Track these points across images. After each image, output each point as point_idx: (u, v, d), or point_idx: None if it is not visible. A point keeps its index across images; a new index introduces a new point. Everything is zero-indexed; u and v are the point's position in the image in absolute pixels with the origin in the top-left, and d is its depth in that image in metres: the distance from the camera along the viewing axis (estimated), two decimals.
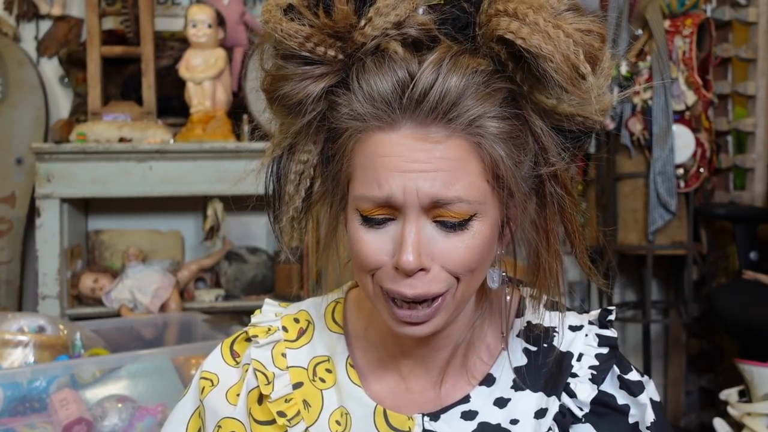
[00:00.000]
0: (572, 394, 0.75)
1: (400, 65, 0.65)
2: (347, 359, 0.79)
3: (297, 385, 0.77)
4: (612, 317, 0.80)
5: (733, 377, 2.45)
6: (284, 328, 0.81)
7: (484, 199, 0.67)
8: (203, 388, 0.80)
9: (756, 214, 2.85)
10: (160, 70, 2.74)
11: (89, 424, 1.47)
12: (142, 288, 2.55)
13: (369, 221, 0.68)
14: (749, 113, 3.00)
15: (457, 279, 0.68)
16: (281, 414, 0.75)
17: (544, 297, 0.76)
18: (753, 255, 2.75)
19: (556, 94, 0.66)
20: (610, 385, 0.77)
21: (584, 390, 0.75)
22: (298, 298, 0.87)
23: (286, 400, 0.76)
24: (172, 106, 2.75)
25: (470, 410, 0.75)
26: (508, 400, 0.75)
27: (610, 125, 2.77)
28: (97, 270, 2.67)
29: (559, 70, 0.63)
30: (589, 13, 0.67)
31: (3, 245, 2.81)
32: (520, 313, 0.80)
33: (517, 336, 0.79)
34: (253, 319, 0.82)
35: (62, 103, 2.95)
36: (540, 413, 0.74)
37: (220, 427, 0.78)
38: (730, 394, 2.25)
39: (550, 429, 0.74)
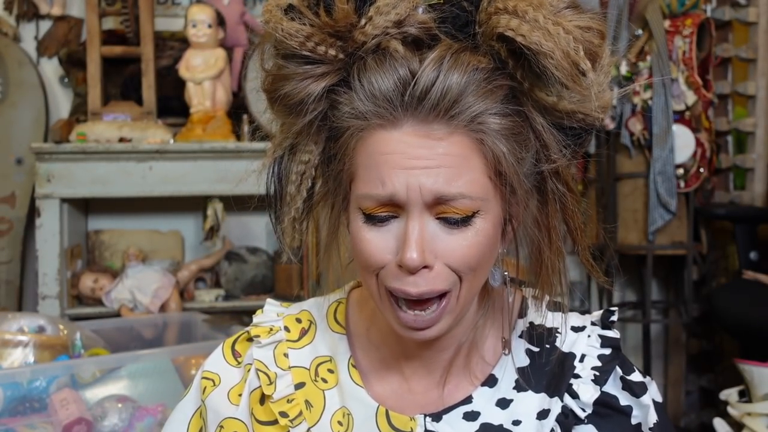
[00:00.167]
0: (575, 395, 0.75)
1: (401, 63, 0.65)
2: (349, 359, 0.79)
3: (299, 386, 0.77)
4: (614, 318, 0.80)
5: (733, 377, 2.45)
6: (286, 328, 0.81)
7: (487, 196, 0.67)
8: (204, 388, 0.80)
9: (756, 214, 2.85)
10: (160, 70, 2.74)
11: (89, 424, 1.47)
12: (142, 288, 2.55)
13: (372, 219, 0.68)
14: (749, 113, 3.00)
15: (460, 278, 0.68)
16: (283, 414, 0.75)
17: (547, 297, 0.76)
18: (753, 255, 2.75)
19: (556, 92, 0.66)
20: (612, 386, 0.77)
21: (587, 391, 0.75)
22: (298, 299, 0.87)
23: (288, 401, 0.76)
24: (172, 106, 2.75)
25: (472, 411, 0.75)
26: (511, 400, 0.75)
27: (610, 125, 2.77)
28: (97, 270, 2.67)
29: (560, 67, 0.63)
30: (588, 11, 0.67)
31: (3, 245, 2.81)
32: (522, 314, 0.80)
33: (520, 336, 0.79)
34: (255, 319, 0.82)
35: (62, 103, 2.95)
36: (542, 414, 0.74)
37: (222, 427, 0.78)
38: (730, 394, 2.25)
39: (552, 430, 0.74)
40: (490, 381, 0.76)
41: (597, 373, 0.76)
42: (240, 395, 0.78)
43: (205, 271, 2.81)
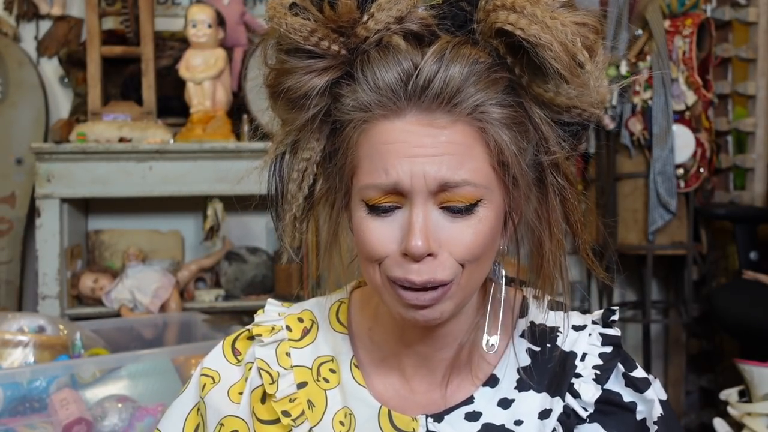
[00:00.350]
0: (576, 395, 0.75)
1: (404, 56, 0.67)
2: (352, 359, 0.79)
3: (301, 385, 0.77)
4: (615, 317, 0.80)
5: (733, 377, 2.45)
6: (288, 328, 0.81)
7: (490, 185, 0.68)
8: (204, 385, 0.80)
9: (756, 214, 2.85)
10: (160, 70, 2.74)
11: (89, 424, 1.47)
12: (142, 288, 2.55)
13: (375, 210, 0.68)
14: (749, 113, 3.00)
15: (462, 267, 0.69)
16: (286, 414, 0.75)
17: (548, 296, 0.76)
18: (753, 255, 2.75)
19: (554, 87, 0.67)
20: (615, 384, 0.77)
21: (588, 390, 0.75)
22: (298, 299, 0.87)
23: (290, 400, 0.76)
24: (172, 106, 2.75)
25: (474, 411, 0.75)
26: (512, 400, 0.75)
27: (610, 125, 2.77)
28: (97, 270, 2.67)
29: (558, 58, 0.64)
30: (583, 9, 0.69)
31: (3, 245, 2.81)
32: (523, 313, 0.80)
33: (521, 336, 0.79)
34: (257, 318, 0.82)
35: (62, 103, 2.95)
36: (544, 414, 0.74)
37: (222, 425, 0.78)
38: (730, 394, 2.25)
39: (554, 430, 0.74)
40: (492, 381, 0.76)
41: (598, 372, 0.76)
42: (240, 393, 0.78)
43: (205, 271, 2.81)
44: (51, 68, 2.95)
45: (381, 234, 0.68)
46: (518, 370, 0.77)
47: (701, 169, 2.77)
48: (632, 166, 2.81)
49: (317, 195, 0.76)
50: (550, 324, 0.78)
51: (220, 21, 2.68)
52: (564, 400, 0.75)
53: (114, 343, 1.97)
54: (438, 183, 0.66)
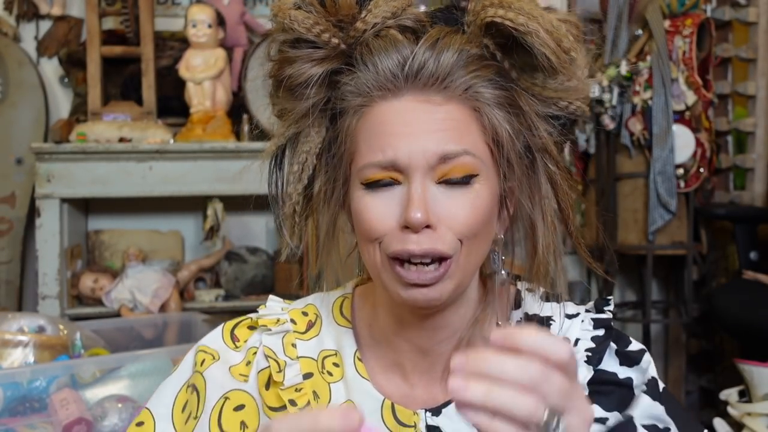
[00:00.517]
0: None
1: (401, 45, 0.71)
2: (355, 353, 0.80)
3: (307, 376, 0.78)
4: (610, 307, 0.80)
5: (733, 377, 2.45)
6: (292, 321, 0.81)
7: (486, 161, 0.71)
8: (203, 360, 0.79)
9: (756, 214, 2.85)
10: (160, 70, 2.74)
11: (89, 424, 1.47)
12: (142, 288, 2.55)
13: (373, 186, 0.70)
14: (749, 113, 3.00)
15: (461, 243, 0.70)
16: (292, 402, 0.76)
17: (542, 286, 0.77)
18: (753, 255, 2.75)
19: (542, 81, 0.71)
20: (609, 363, 0.77)
21: (580, 373, 0.75)
22: (297, 298, 0.87)
23: (296, 390, 0.76)
24: (172, 106, 2.75)
25: None
26: None
27: (610, 125, 2.77)
28: (97, 270, 2.67)
29: (545, 44, 0.68)
30: (580, 8, 0.73)
31: (3, 245, 2.81)
32: (517, 305, 0.81)
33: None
34: (260, 311, 0.82)
35: (62, 103, 2.95)
36: None
37: (227, 398, 0.78)
38: (730, 394, 2.25)
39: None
40: None
41: (589, 354, 0.76)
42: (242, 375, 0.78)
43: (205, 271, 2.81)
44: (51, 68, 2.95)
45: (380, 210, 0.70)
46: None
47: (701, 169, 2.77)
48: (632, 166, 2.81)
49: (317, 185, 0.77)
50: (544, 314, 0.79)
51: (220, 21, 2.68)
52: None
53: (114, 343, 1.97)
54: (437, 156, 0.68)
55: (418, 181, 0.68)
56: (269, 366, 0.77)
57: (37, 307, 2.58)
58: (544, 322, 0.79)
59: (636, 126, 2.75)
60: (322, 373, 0.78)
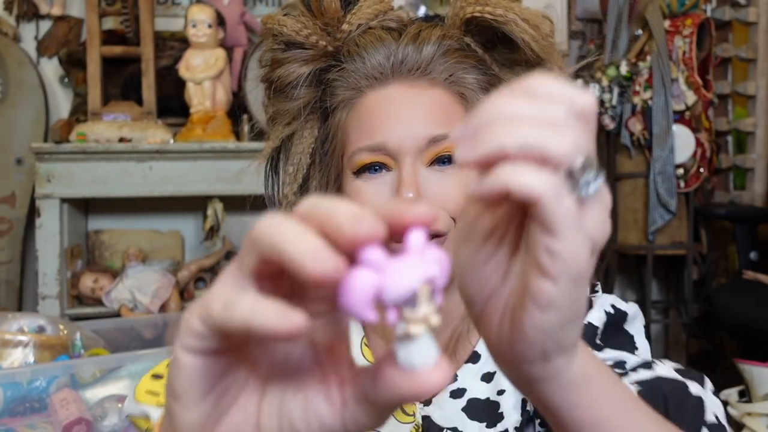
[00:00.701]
0: None
1: (386, 41, 0.74)
2: (362, 339, 0.80)
3: None
4: (598, 289, 0.81)
5: (733, 377, 2.45)
6: None
7: None
8: None
9: (756, 214, 2.85)
10: (160, 70, 2.74)
11: (89, 424, 1.47)
12: (142, 288, 2.55)
13: (364, 171, 0.72)
14: (749, 113, 3.00)
15: (454, 221, 0.71)
16: None
17: None
18: (753, 255, 2.75)
19: (523, 73, 0.73)
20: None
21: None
22: None
23: None
24: (172, 106, 2.75)
25: (458, 388, 0.75)
26: (494, 373, 0.76)
27: (610, 125, 2.77)
28: (97, 270, 2.67)
29: (525, 31, 0.71)
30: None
31: (3, 245, 2.81)
32: None
33: None
34: None
35: (62, 103, 2.95)
36: None
37: None
38: (730, 394, 2.25)
39: None
40: (473, 357, 0.77)
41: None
42: None
43: (205, 271, 2.81)
44: (51, 68, 2.95)
45: (371, 195, 0.72)
46: None
47: (701, 169, 2.77)
48: (632, 166, 2.81)
49: (312, 186, 0.79)
50: None
51: (220, 21, 2.68)
52: None
53: (114, 343, 1.97)
54: (427, 140, 0.70)
55: (408, 164, 0.70)
56: None
57: (37, 307, 2.58)
58: None
59: (636, 126, 2.75)
60: None
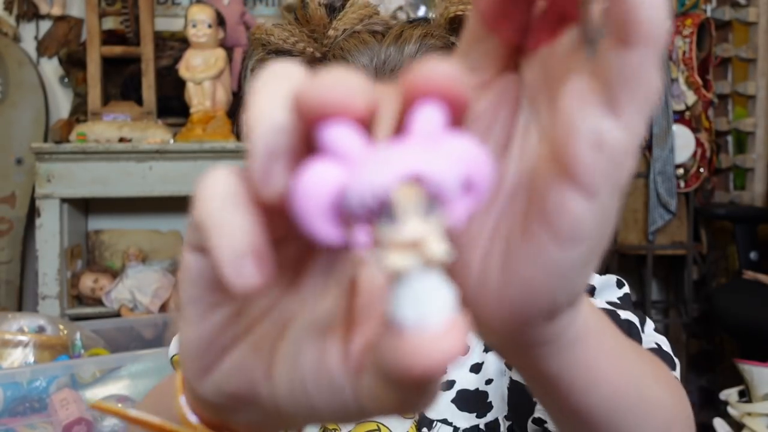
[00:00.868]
0: None
1: (371, 44, 0.76)
2: None
3: None
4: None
5: (733, 377, 2.45)
6: None
7: None
8: None
9: (756, 214, 2.85)
10: (160, 70, 2.74)
11: (89, 424, 1.47)
12: (142, 288, 2.55)
13: None
14: (749, 113, 3.00)
15: None
16: None
17: None
18: (753, 255, 2.75)
19: None
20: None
21: None
22: None
23: None
24: (172, 106, 2.75)
25: (448, 381, 0.76)
26: (482, 363, 0.76)
27: None
28: (97, 270, 2.67)
29: None
30: None
31: (3, 245, 2.81)
32: None
33: None
34: None
35: (62, 103, 2.95)
36: (508, 366, 0.76)
37: None
38: (730, 394, 2.25)
39: (510, 378, 0.76)
40: None
41: None
42: None
43: None
44: (51, 68, 2.95)
45: None
46: None
47: (701, 169, 2.77)
48: None
49: None
50: None
51: (220, 21, 2.68)
52: None
53: (114, 343, 1.97)
54: None
55: None
56: None
57: (37, 307, 2.58)
58: None
59: None
60: None
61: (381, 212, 0.22)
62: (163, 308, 2.55)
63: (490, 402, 0.74)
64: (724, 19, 2.97)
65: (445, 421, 0.74)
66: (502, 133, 0.29)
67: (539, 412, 0.69)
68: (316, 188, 0.22)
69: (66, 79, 2.93)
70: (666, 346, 0.64)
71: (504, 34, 0.29)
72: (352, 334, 0.28)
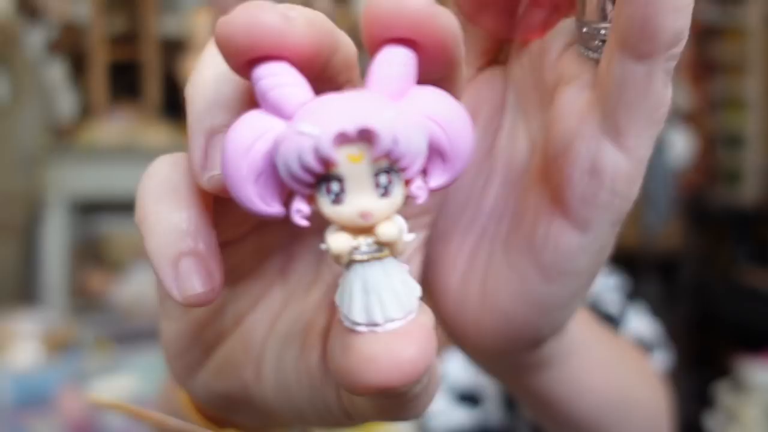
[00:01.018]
0: None
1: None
2: None
3: None
4: None
5: (731, 377, 2.47)
6: None
7: None
8: None
9: (753, 214, 2.87)
10: (164, 71, 2.76)
11: (92, 423, 1.49)
12: (146, 287, 2.57)
13: None
14: (744, 115, 3.02)
15: None
16: None
17: None
18: (750, 255, 2.77)
19: None
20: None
21: None
22: None
23: None
24: (176, 106, 2.78)
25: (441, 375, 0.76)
26: None
27: None
28: (101, 270, 2.69)
29: None
30: None
31: (11, 244, 2.83)
32: None
33: None
34: None
35: (66, 104, 2.97)
36: None
37: None
38: (725, 392, 2.27)
39: None
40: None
41: None
42: None
43: None
44: (57, 70, 2.97)
45: None
46: None
47: (698, 170, 2.79)
48: None
49: None
50: None
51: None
52: None
53: (120, 339, 1.99)
54: None
55: None
56: None
57: (41, 306, 2.60)
58: None
59: None
60: None
61: (322, 178, 0.17)
62: None
63: (484, 391, 0.74)
64: (718, 21, 3.00)
65: (438, 414, 0.74)
66: (484, 134, 0.25)
67: None
68: (242, 143, 0.17)
69: (71, 81, 2.95)
70: (650, 334, 0.64)
71: (487, 26, 0.25)
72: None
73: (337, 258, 0.17)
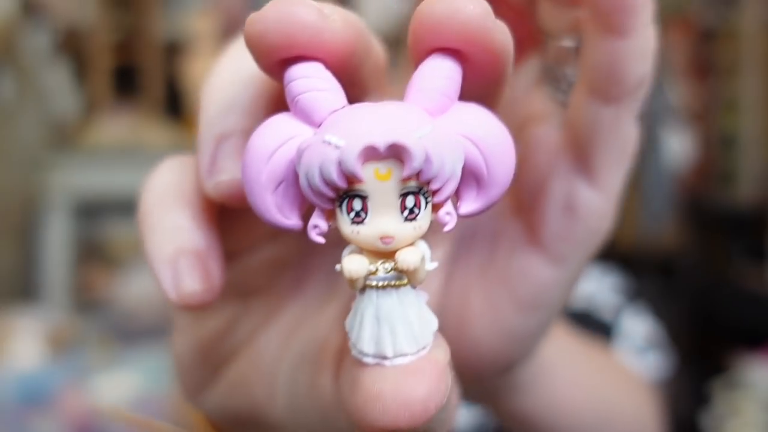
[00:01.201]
0: None
1: None
2: None
3: None
4: None
5: (731, 377, 2.48)
6: None
7: None
8: None
9: (752, 214, 2.87)
10: (165, 73, 2.77)
11: (91, 422, 1.49)
12: (146, 286, 2.58)
13: None
14: (742, 115, 3.02)
15: None
16: None
17: None
18: (749, 255, 2.77)
19: None
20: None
21: None
22: None
23: None
24: (177, 107, 2.78)
25: None
26: None
27: None
28: (102, 268, 2.69)
29: None
30: None
31: (13, 243, 2.83)
32: None
33: None
34: None
35: (68, 105, 2.97)
36: None
37: None
38: (722, 391, 2.27)
39: None
40: None
41: None
42: None
43: None
44: (58, 70, 2.97)
45: None
46: None
47: (697, 170, 2.79)
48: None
49: None
50: None
51: (224, 24, 2.71)
52: None
53: (123, 338, 1.99)
54: None
55: None
56: None
57: (43, 304, 2.61)
58: None
59: None
60: None
61: (344, 194, 0.15)
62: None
63: None
64: (715, 22, 3.00)
65: None
66: None
67: None
68: (265, 148, 0.16)
69: (70, 81, 2.95)
70: (648, 336, 0.64)
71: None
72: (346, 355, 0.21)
73: (351, 282, 0.16)
